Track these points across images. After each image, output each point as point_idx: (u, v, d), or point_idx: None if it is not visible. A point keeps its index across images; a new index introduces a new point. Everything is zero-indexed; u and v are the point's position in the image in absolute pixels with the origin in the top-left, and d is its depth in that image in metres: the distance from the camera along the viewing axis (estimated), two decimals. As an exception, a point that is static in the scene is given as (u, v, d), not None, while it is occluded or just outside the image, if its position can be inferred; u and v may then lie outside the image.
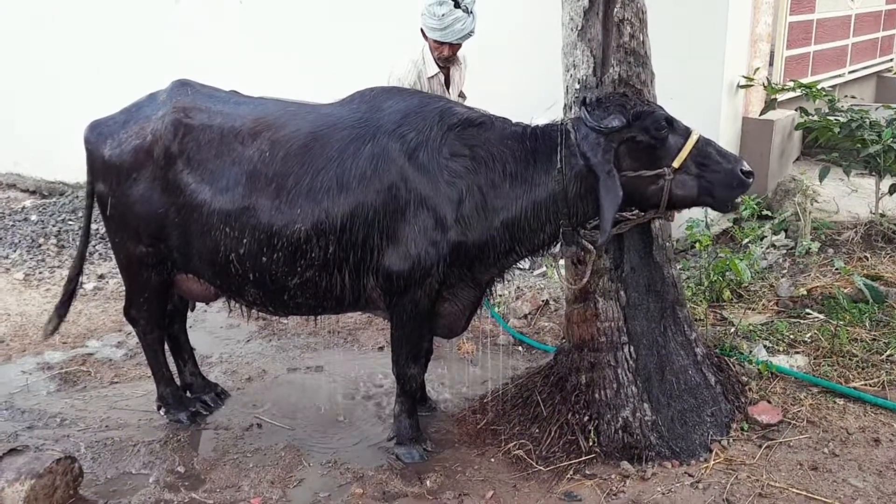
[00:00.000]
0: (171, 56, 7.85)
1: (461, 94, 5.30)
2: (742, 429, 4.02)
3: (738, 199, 3.61)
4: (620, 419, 3.90)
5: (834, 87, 8.83)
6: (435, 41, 4.90)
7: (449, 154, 3.62)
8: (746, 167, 3.50)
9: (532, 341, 5.21)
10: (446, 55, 4.98)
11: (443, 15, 4.77)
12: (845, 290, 5.25)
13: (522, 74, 6.30)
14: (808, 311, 5.17)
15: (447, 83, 5.14)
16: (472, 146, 3.64)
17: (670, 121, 3.51)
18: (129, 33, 8.27)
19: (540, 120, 3.80)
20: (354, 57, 7.12)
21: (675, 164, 3.45)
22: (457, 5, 4.75)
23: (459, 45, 4.97)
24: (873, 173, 6.43)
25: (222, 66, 7.51)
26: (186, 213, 3.85)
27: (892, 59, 11.18)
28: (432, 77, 5.05)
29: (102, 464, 4.05)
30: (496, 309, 5.64)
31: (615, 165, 3.46)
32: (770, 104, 7.07)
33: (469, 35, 4.87)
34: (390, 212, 3.60)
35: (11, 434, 4.29)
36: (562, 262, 4.09)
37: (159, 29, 8.14)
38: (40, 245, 7.36)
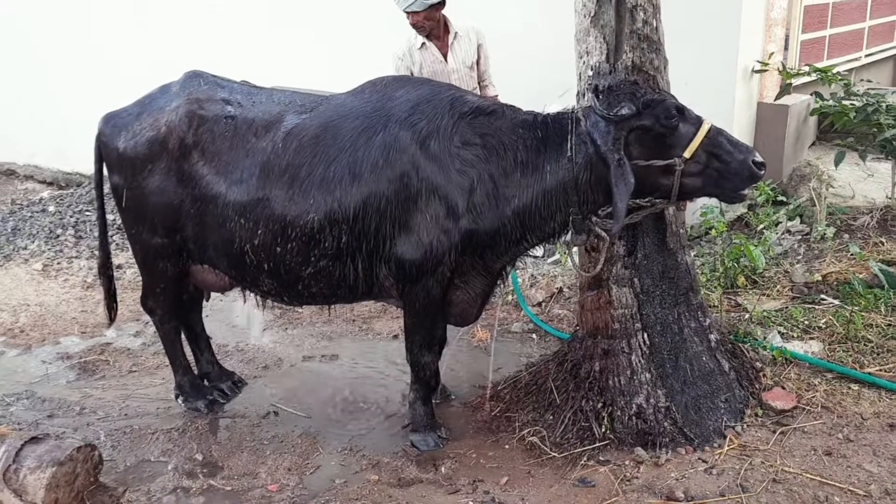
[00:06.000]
0: (186, 46, 7.89)
1: (484, 75, 5.28)
2: (756, 415, 4.02)
3: (747, 192, 3.59)
4: (634, 406, 3.91)
5: (850, 70, 8.74)
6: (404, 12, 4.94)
7: (460, 143, 3.63)
8: (758, 158, 3.49)
9: (550, 328, 5.22)
10: (412, 22, 4.96)
11: None
12: (860, 276, 5.22)
13: (535, 62, 6.28)
14: (822, 296, 5.15)
15: (445, 55, 5.10)
16: (484, 135, 3.65)
17: (681, 109, 3.49)
18: (144, 22, 8.31)
19: (553, 107, 3.80)
20: (366, 46, 7.12)
21: (686, 153, 3.44)
22: None
23: (428, 15, 4.89)
24: (889, 158, 6.38)
25: (238, 50, 7.56)
26: (202, 205, 3.88)
27: (909, 42, 11.04)
28: (421, 47, 5.05)
29: (122, 451, 4.11)
30: (507, 298, 5.64)
31: (625, 154, 3.45)
32: (785, 89, 7.01)
33: (424, 1, 4.79)
34: (402, 200, 3.62)
35: (32, 422, 4.35)
36: (575, 249, 4.09)
37: (173, 18, 8.17)
38: (58, 236, 7.43)
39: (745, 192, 3.59)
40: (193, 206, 3.91)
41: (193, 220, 3.94)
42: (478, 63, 5.21)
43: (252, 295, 4.22)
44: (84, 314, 5.94)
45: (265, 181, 3.76)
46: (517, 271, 4.56)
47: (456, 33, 5.10)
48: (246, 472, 3.90)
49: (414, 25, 4.98)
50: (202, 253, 4.04)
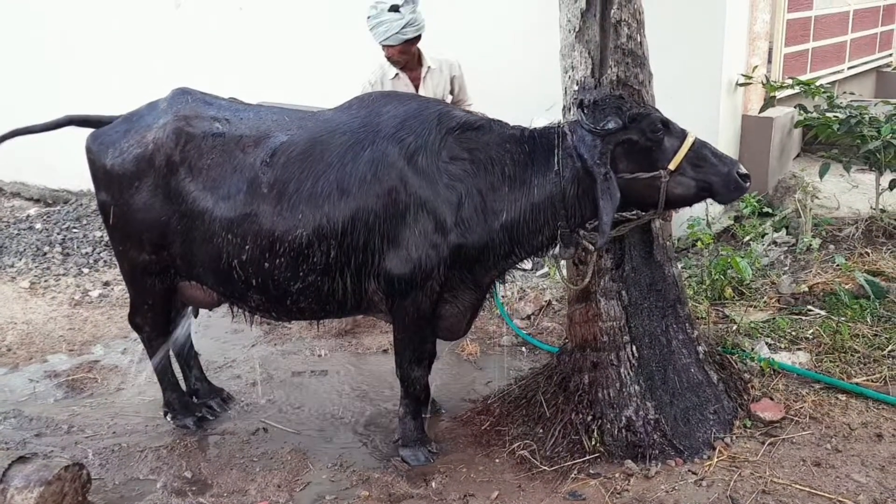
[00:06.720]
0: (173, 62, 7.90)
1: (460, 105, 5.32)
2: (745, 426, 4.03)
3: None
4: (624, 418, 3.92)
5: (833, 83, 8.84)
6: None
7: (448, 157, 3.65)
8: (742, 170, 3.53)
9: (537, 342, 5.23)
10: (387, 55, 5.03)
11: (369, 17, 4.89)
12: (846, 286, 5.26)
13: (521, 76, 6.33)
14: (809, 307, 5.18)
15: (417, 87, 5.18)
16: (471, 149, 3.67)
17: (666, 123, 3.54)
18: (130, 40, 8.31)
19: (539, 122, 3.83)
20: (353, 62, 7.14)
21: (671, 166, 3.49)
22: (393, 8, 4.78)
23: (404, 48, 4.96)
24: (873, 169, 6.43)
25: (223, 70, 7.56)
26: (189, 221, 3.88)
27: (891, 55, 11.17)
28: (393, 77, 5.13)
29: (110, 470, 4.08)
30: (496, 312, 5.66)
31: (612, 167, 3.49)
32: (769, 102, 7.09)
33: (400, 36, 4.85)
34: (390, 215, 3.63)
35: (20, 442, 4.32)
36: (563, 262, 4.11)
37: (161, 35, 8.18)
38: (45, 253, 7.39)
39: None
40: (181, 222, 3.90)
41: (181, 237, 3.93)
42: (452, 93, 5.29)
43: (240, 311, 4.21)
44: (72, 332, 5.91)
45: (253, 197, 3.76)
46: (500, 290, 4.52)
47: (429, 67, 5.18)
48: (235, 490, 3.88)
49: (389, 58, 5.05)
50: (190, 269, 4.04)
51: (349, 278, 3.78)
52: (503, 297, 5.83)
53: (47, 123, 4.25)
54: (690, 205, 3.73)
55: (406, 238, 3.64)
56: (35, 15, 8.93)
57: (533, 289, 6.03)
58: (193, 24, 8.07)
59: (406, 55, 5.03)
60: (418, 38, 4.99)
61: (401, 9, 4.82)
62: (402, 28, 4.84)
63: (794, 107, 7.34)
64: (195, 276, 4.07)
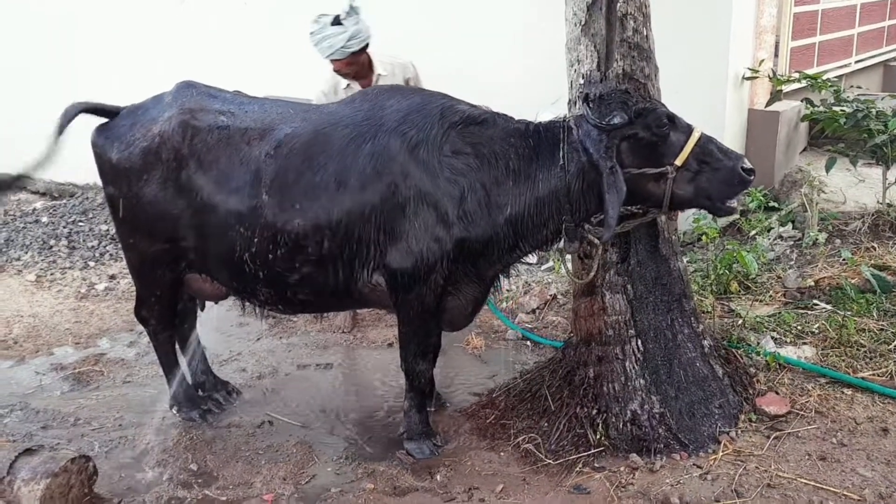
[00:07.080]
0: (177, 57, 7.89)
1: None
2: (750, 420, 4.03)
3: (736, 204, 3.62)
4: (629, 412, 3.92)
5: (840, 77, 8.80)
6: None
7: (451, 151, 3.64)
8: (748, 164, 3.53)
9: (537, 337, 5.23)
10: (336, 69, 4.99)
11: (311, 33, 4.80)
12: (853, 281, 5.24)
13: (525, 70, 6.31)
14: (815, 301, 5.17)
15: None
16: (475, 143, 3.67)
17: (672, 118, 3.53)
18: (134, 36, 8.31)
19: (544, 116, 3.82)
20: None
21: (678, 161, 3.47)
22: (335, 21, 4.71)
23: (350, 60, 4.90)
24: (880, 163, 6.40)
25: (227, 65, 7.55)
26: (200, 214, 3.88)
27: (899, 48, 11.12)
28: (346, 87, 5.10)
29: (116, 462, 4.09)
30: (501, 306, 5.66)
31: (617, 162, 3.48)
32: (776, 95, 7.06)
33: (345, 50, 4.79)
34: (389, 209, 3.63)
35: (26, 434, 4.34)
36: (568, 256, 4.11)
37: (164, 30, 8.18)
38: (51, 246, 7.42)
39: (735, 204, 3.62)
40: (192, 216, 3.90)
41: (193, 231, 3.93)
42: None
43: (250, 305, 4.21)
44: (78, 325, 5.93)
45: (258, 189, 3.77)
46: (501, 287, 4.45)
47: (379, 75, 5.11)
48: (241, 482, 3.89)
49: (337, 71, 4.99)
50: (203, 263, 4.04)
51: (353, 272, 3.78)
52: (506, 291, 5.83)
53: (61, 123, 4.20)
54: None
55: (406, 231, 3.64)
56: (36, 15, 8.93)
57: (538, 283, 6.03)
58: (197, 20, 8.06)
59: (354, 66, 4.96)
60: (364, 49, 4.92)
61: (343, 21, 4.74)
62: (347, 41, 4.77)
63: (801, 101, 7.31)
64: (207, 269, 4.07)
